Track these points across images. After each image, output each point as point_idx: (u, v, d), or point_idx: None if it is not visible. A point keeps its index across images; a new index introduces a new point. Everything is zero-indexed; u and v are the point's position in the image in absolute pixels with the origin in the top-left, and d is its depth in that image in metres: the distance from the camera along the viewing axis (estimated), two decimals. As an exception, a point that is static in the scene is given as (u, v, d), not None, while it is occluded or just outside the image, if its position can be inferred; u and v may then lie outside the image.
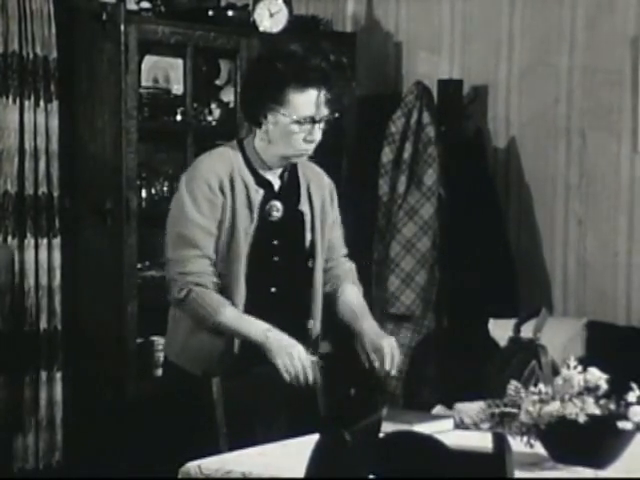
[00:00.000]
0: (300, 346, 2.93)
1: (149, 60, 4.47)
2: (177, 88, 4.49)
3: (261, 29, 4.60)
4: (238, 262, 3.00)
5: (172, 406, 3.11)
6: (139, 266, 4.29)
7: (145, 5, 4.35)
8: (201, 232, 2.97)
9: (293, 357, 2.90)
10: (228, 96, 4.61)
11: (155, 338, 4.34)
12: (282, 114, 2.97)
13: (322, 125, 3.02)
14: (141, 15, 4.29)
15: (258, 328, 2.94)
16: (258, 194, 3.05)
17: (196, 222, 2.97)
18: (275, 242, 3.07)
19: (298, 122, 2.97)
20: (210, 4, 4.64)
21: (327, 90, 3.00)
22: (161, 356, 4.32)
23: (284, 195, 3.10)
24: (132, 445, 4.04)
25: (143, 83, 4.40)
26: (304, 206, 3.13)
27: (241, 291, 3.01)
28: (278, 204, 3.08)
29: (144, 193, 4.35)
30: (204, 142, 4.50)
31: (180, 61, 4.43)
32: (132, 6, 4.31)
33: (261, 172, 3.07)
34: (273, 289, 3.07)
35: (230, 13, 4.57)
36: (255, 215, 3.03)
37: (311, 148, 3.05)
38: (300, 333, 3.03)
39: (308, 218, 3.13)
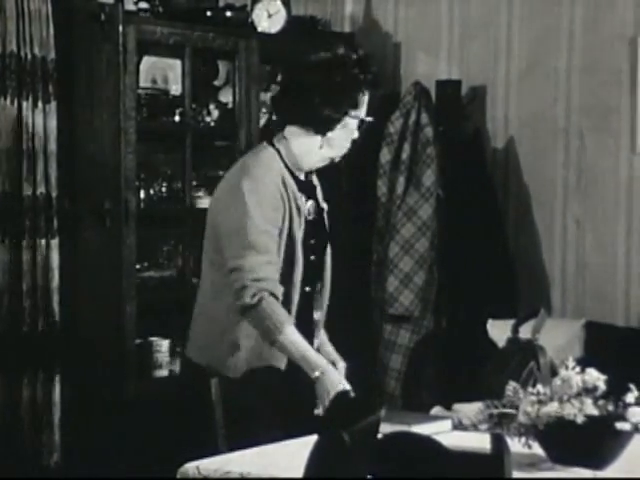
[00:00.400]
0: (343, 385, 2.92)
1: (147, 61, 4.46)
2: (175, 89, 4.49)
3: (259, 30, 4.60)
4: (297, 268, 3.02)
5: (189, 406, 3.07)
6: (138, 267, 4.29)
7: (143, 6, 4.34)
8: (270, 239, 2.96)
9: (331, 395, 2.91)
10: (227, 97, 4.61)
11: (154, 339, 4.35)
12: (351, 117, 3.02)
13: None
14: (139, 16, 4.29)
15: (316, 362, 2.92)
16: (302, 198, 3.08)
17: (264, 229, 2.95)
18: (312, 241, 3.10)
19: (359, 123, 3.04)
20: (208, 5, 4.63)
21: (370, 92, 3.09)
22: (159, 357, 4.35)
23: (312, 194, 3.14)
24: (131, 446, 4.04)
25: (141, 84, 4.40)
26: (323, 203, 3.19)
27: (296, 296, 3.04)
28: (313, 204, 3.12)
29: (142, 194, 4.35)
30: (202, 143, 4.51)
31: (178, 62, 4.43)
32: (130, 7, 4.31)
33: (296, 175, 3.10)
34: (307, 288, 3.09)
35: (228, 14, 4.56)
36: (302, 219, 3.06)
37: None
38: (309, 325, 3.06)
39: (325, 214, 3.19)
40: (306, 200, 3.09)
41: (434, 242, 4.67)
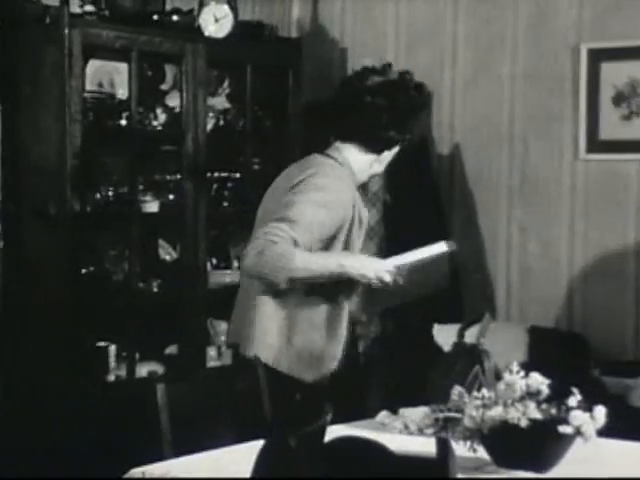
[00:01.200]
0: (373, 262, 3.11)
1: (93, 64, 4.43)
2: (122, 92, 4.46)
3: (206, 34, 4.59)
4: None
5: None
6: (84, 271, 4.26)
7: (89, 9, 4.30)
8: (310, 236, 3.00)
9: (370, 276, 3.06)
10: (174, 101, 4.59)
11: (100, 344, 4.32)
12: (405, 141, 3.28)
13: None
14: (85, 19, 4.25)
15: (332, 262, 3.02)
16: (365, 211, 3.27)
17: (310, 223, 2.99)
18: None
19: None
20: (155, 8, 4.61)
21: None
22: (111, 361, 4.32)
23: None
24: (76, 453, 4.00)
25: (87, 87, 4.37)
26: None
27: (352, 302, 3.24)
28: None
29: (88, 198, 4.32)
30: (149, 147, 4.49)
31: (125, 65, 4.40)
32: (76, 9, 4.27)
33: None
34: None
35: (175, 18, 4.55)
36: (363, 230, 3.25)
37: None
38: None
39: None
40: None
41: (381, 247, 4.69)
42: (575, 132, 4.70)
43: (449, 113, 5.03)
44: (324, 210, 3.03)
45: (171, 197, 4.54)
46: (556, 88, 4.73)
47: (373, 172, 3.30)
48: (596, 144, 4.65)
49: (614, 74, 4.59)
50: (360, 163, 3.22)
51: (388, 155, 3.28)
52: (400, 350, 4.56)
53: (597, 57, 4.62)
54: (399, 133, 3.23)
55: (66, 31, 4.08)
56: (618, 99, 4.60)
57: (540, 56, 4.78)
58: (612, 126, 4.61)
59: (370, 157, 3.23)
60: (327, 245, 3.09)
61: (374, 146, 3.21)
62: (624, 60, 4.57)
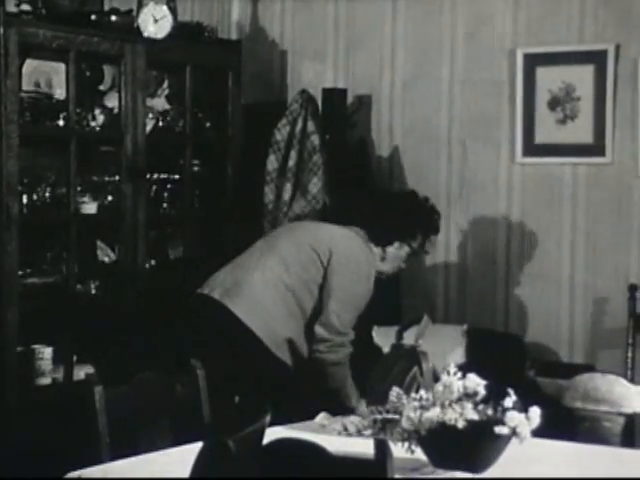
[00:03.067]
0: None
1: (30, 64, 4.38)
2: (60, 93, 4.42)
3: (145, 35, 4.57)
4: None
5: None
6: (20, 273, 4.21)
7: (25, 8, 4.25)
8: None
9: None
10: (112, 101, 4.56)
11: (36, 346, 4.27)
12: (410, 245, 3.73)
13: None
14: (21, 18, 4.20)
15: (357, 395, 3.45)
16: None
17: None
18: None
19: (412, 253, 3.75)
20: (93, 8, 4.57)
21: None
22: (42, 365, 4.27)
23: None
24: (11, 456, 3.96)
25: (24, 87, 4.32)
26: None
27: None
28: None
29: (25, 199, 4.27)
30: (87, 148, 4.45)
31: (62, 65, 4.36)
32: (12, 8, 4.22)
33: None
34: None
35: (114, 18, 4.51)
36: None
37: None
38: None
39: None
40: None
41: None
42: (512, 135, 4.76)
43: (388, 115, 5.06)
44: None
45: (110, 198, 4.51)
46: (493, 92, 4.79)
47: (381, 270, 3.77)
48: (532, 147, 4.71)
49: (549, 79, 4.65)
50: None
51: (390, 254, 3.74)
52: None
53: (533, 62, 4.68)
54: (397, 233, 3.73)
55: (1, 30, 4.03)
56: (553, 103, 4.66)
57: (477, 60, 4.83)
58: (547, 130, 4.67)
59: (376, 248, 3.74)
60: None
61: (388, 238, 3.74)
62: (559, 65, 4.63)
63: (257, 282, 3.60)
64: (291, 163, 4.75)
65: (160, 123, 4.71)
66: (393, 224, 3.71)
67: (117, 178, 4.50)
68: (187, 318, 3.69)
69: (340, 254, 3.61)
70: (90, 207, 4.44)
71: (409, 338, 3.20)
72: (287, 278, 3.59)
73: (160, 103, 4.80)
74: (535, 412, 2.52)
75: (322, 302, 3.54)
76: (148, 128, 4.57)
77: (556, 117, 4.65)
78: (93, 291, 4.45)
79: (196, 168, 4.78)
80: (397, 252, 3.72)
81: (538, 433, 2.54)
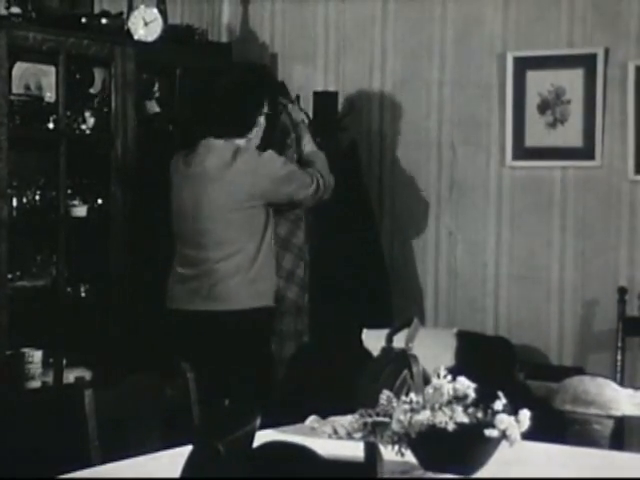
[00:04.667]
0: None
1: (20, 67, 4.38)
2: (50, 95, 4.42)
3: (136, 38, 4.57)
4: None
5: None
6: (10, 276, 4.21)
7: (15, 10, 4.25)
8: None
9: None
10: (102, 104, 4.55)
11: (26, 350, 4.27)
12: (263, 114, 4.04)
13: None
14: (11, 21, 4.20)
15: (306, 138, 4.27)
16: None
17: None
18: None
19: None
20: (83, 11, 4.58)
21: None
22: (32, 368, 4.27)
23: None
24: (1, 459, 3.95)
25: (14, 90, 4.32)
26: None
27: None
28: None
29: (15, 202, 4.27)
30: (78, 150, 4.45)
31: (53, 68, 4.36)
32: (2, 11, 4.22)
33: None
34: None
35: (104, 21, 4.52)
36: None
37: None
38: None
39: None
40: None
41: (310, 248, 4.67)
42: (502, 139, 4.76)
43: (378, 118, 5.06)
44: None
45: (100, 201, 4.51)
46: (483, 95, 4.80)
47: None
48: (522, 151, 4.72)
49: (539, 82, 4.66)
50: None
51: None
52: (330, 355, 4.58)
53: (523, 65, 4.69)
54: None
55: (-8, 33, 4.03)
56: (543, 107, 4.67)
57: (467, 63, 4.84)
58: (537, 133, 4.68)
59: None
60: None
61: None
62: (549, 68, 4.64)
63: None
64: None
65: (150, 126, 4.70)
66: (248, 112, 4.00)
67: (107, 181, 4.49)
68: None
69: (251, 173, 3.90)
70: (80, 210, 4.44)
71: (399, 341, 3.19)
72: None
73: (150, 106, 4.80)
74: (525, 415, 2.52)
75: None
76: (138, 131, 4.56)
77: (546, 120, 4.66)
78: (83, 294, 4.44)
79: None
80: (260, 127, 4.03)
81: (528, 436, 2.54)
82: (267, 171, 3.92)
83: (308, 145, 4.25)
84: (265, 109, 4.03)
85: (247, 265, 3.90)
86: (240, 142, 3.97)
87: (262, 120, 4.03)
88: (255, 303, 3.91)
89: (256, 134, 4.03)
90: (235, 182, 3.88)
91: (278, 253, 4.61)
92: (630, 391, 3.19)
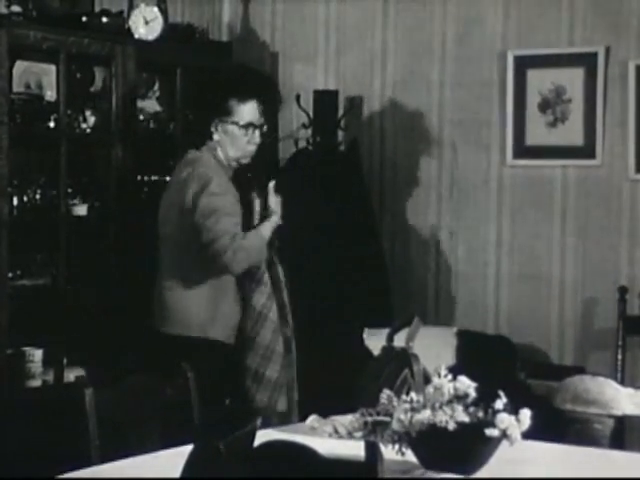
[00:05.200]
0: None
1: (20, 65, 4.38)
2: (50, 94, 4.41)
3: (136, 36, 4.57)
4: None
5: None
6: (10, 275, 4.21)
7: (16, 9, 4.25)
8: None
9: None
10: (103, 103, 4.55)
11: (26, 348, 4.26)
12: (233, 122, 3.67)
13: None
14: (12, 19, 4.20)
15: (273, 219, 3.72)
16: None
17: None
18: None
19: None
20: (83, 10, 4.57)
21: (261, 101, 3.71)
22: (32, 367, 4.26)
23: None
24: (1, 458, 3.95)
25: (14, 89, 4.32)
26: None
27: None
28: None
29: (15, 201, 4.27)
30: (78, 149, 4.45)
31: (53, 67, 4.36)
32: (2, 10, 4.22)
33: None
34: None
35: (104, 19, 4.51)
36: None
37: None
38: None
39: None
40: None
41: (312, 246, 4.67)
42: (502, 138, 4.76)
43: (379, 117, 5.06)
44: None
45: (100, 200, 4.50)
46: (484, 94, 4.80)
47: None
48: (522, 150, 4.72)
49: (540, 81, 4.66)
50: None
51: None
52: (330, 355, 4.57)
53: (523, 64, 4.69)
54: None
55: (-8, 32, 4.03)
56: (544, 105, 4.67)
57: (468, 62, 4.83)
58: (538, 132, 4.68)
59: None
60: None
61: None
62: (549, 67, 4.64)
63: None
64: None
65: (151, 125, 4.70)
66: (200, 111, 3.76)
67: (108, 180, 4.49)
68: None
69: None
70: (80, 209, 4.43)
71: (400, 340, 3.19)
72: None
73: (151, 105, 4.80)
74: (525, 414, 2.52)
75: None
76: (139, 130, 4.56)
77: (546, 119, 4.66)
78: (83, 293, 4.44)
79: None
80: (227, 135, 3.66)
81: (528, 435, 2.54)
82: (195, 190, 3.56)
83: (263, 228, 3.71)
84: (236, 117, 3.64)
85: (195, 292, 3.66)
86: (198, 153, 3.68)
87: (231, 128, 3.65)
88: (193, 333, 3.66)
89: (220, 144, 3.66)
90: (171, 194, 3.71)
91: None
92: (631, 390, 3.19)
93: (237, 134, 3.65)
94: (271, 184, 3.74)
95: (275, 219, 3.72)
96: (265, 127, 3.76)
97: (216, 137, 3.66)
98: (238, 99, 3.64)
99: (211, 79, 3.82)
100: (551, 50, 4.65)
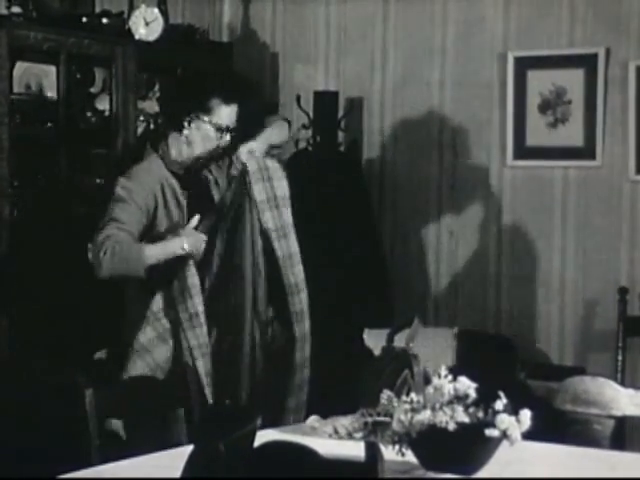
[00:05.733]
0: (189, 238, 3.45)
1: (21, 66, 4.38)
2: (50, 95, 4.42)
3: (136, 37, 4.57)
4: None
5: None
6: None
7: (16, 10, 4.25)
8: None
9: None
10: (103, 104, 4.56)
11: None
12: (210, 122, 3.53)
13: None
14: (12, 20, 4.20)
15: (176, 244, 3.43)
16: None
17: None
18: None
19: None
20: (84, 10, 4.57)
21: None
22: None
23: None
24: (1, 458, 3.95)
25: (15, 89, 4.32)
26: None
27: None
28: None
29: (16, 201, 4.27)
30: (78, 150, 4.45)
31: (53, 68, 4.36)
32: (2, 11, 4.22)
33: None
34: None
35: (105, 20, 4.51)
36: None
37: None
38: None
39: None
40: None
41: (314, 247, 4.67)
42: (502, 138, 4.76)
43: (379, 118, 5.06)
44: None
45: (100, 201, 4.50)
46: (484, 95, 4.80)
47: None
48: (523, 151, 4.72)
49: (540, 82, 4.67)
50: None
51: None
52: (330, 355, 4.57)
53: (523, 65, 4.69)
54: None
55: (-7, 32, 4.03)
56: (544, 106, 4.67)
57: (468, 63, 4.84)
58: (538, 133, 4.68)
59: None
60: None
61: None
62: (550, 68, 4.64)
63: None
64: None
65: (151, 126, 4.70)
66: (176, 102, 3.61)
67: (108, 180, 4.49)
68: None
69: None
70: (80, 209, 4.43)
71: (400, 341, 3.20)
72: None
73: (151, 106, 4.80)
74: (525, 415, 2.52)
75: None
76: (139, 131, 4.56)
77: (547, 120, 4.66)
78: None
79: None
80: (199, 132, 3.53)
81: (528, 436, 2.54)
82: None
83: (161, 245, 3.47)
84: (215, 117, 3.50)
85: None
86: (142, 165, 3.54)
87: (206, 127, 3.51)
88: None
89: (185, 141, 3.53)
90: None
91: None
92: (631, 391, 3.19)
93: (210, 134, 3.53)
94: (194, 219, 3.49)
95: (180, 244, 3.43)
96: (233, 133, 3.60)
97: (185, 132, 3.52)
98: (222, 99, 3.52)
99: (196, 75, 3.78)
100: (551, 51, 4.65)
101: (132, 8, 4.59)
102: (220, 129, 3.53)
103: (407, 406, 2.54)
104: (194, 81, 3.68)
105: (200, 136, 3.53)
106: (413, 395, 2.59)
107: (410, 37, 4.97)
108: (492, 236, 4.82)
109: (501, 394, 2.52)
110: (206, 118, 3.51)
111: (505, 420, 2.47)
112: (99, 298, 4.47)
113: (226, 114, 3.53)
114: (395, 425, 2.53)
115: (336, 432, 2.94)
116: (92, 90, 4.66)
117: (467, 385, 2.55)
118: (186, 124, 3.52)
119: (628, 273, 4.53)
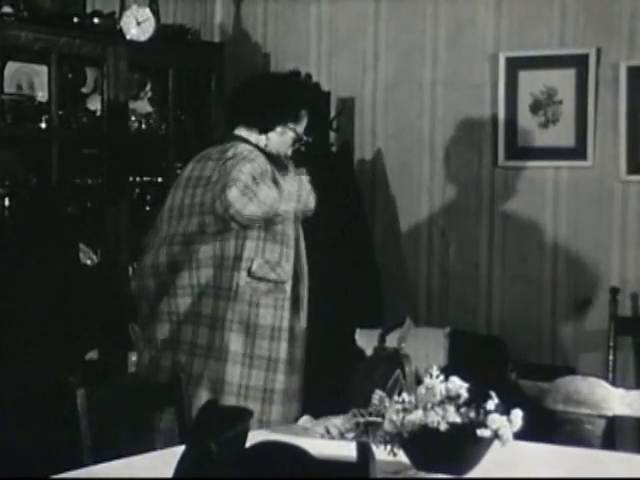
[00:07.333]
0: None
1: (12, 66, 4.37)
2: (42, 95, 4.41)
3: (128, 37, 4.56)
4: None
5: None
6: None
7: (7, 10, 4.24)
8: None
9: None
10: (95, 104, 4.55)
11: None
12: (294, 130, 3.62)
13: None
14: (3, 20, 4.19)
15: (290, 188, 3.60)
16: None
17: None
18: None
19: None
20: (75, 10, 4.57)
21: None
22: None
23: None
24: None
25: (6, 89, 4.31)
26: None
27: None
28: None
29: (7, 201, 4.26)
30: (70, 150, 4.44)
31: (45, 67, 4.35)
32: (-6, 10, 4.22)
33: None
34: None
35: (96, 20, 4.51)
36: None
37: None
38: None
39: None
40: None
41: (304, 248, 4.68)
42: (494, 139, 4.77)
43: (371, 118, 5.07)
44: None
45: (92, 201, 4.50)
46: (475, 95, 4.80)
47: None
48: (514, 151, 4.73)
49: (531, 82, 4.67)
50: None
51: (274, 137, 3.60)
52: (321, 355, 4.58)
53: (515, 65, 4.70)
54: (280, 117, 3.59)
55: (-16, 32, 4.02)
56: (535, 107, 4.68)
57: (460, 63, 4.85)
58: (530, 133, 4.69)
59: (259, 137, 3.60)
60: None
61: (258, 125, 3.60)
62: (541, 69, 4.65)
63: None
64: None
65: (143, 126, 4.70)
66: (272, 107, 3.60)
67: (99, 181, 4.49)
68: None
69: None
70: (73, 209, 4.43)
71: (392, 341, 3.20)
72: None
73: (143, 106, 4.80)
74: (517, 415, 2.52)
75: None
76: (131, 131, 4.56)
77: (538, 120, 4.67)
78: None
79: (179, 171, 4.76)
80: (280, 138, 3.61)
81: (520, 435, 2.55)
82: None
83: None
84: (299, 126, 3.61)
85: None
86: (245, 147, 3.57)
87: (289, 134, 3.61)
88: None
89: (266, 141, 3.62)
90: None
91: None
92: (622, 391, 3.20)
93: (288, 140, 3.63)
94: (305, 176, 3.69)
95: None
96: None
97: (271, 134, 3.59)
98: (307, 110, 3.63)
99: (287, 83, 3.75)
100: (543, 51, 4.66)
101: (123, 8, 4.59)
102: (299, 139, 3.63)
103: (399, 406, 2.54)
104: (288, 90, 3.67)
105: (280, 141, 3.61)
106: (405, 395, 2.59)
107: (402, 38, 4.98)
108: (483, 236, 4.83)
109: (492, 394, 2.52)
110: (292, 125, 3.59)
111: (497, 420, 2.48)
112: (90, 298, 4.47)
113: (305, 124, 3.65)
114: (387, 425, 2.53)
115: (328, 432, 2.95)
116: (83, 90, 4.66)
117: (459, 385, 2.56)
118: (270, 129, 3.57)
119: (619, 273, 4.54)
